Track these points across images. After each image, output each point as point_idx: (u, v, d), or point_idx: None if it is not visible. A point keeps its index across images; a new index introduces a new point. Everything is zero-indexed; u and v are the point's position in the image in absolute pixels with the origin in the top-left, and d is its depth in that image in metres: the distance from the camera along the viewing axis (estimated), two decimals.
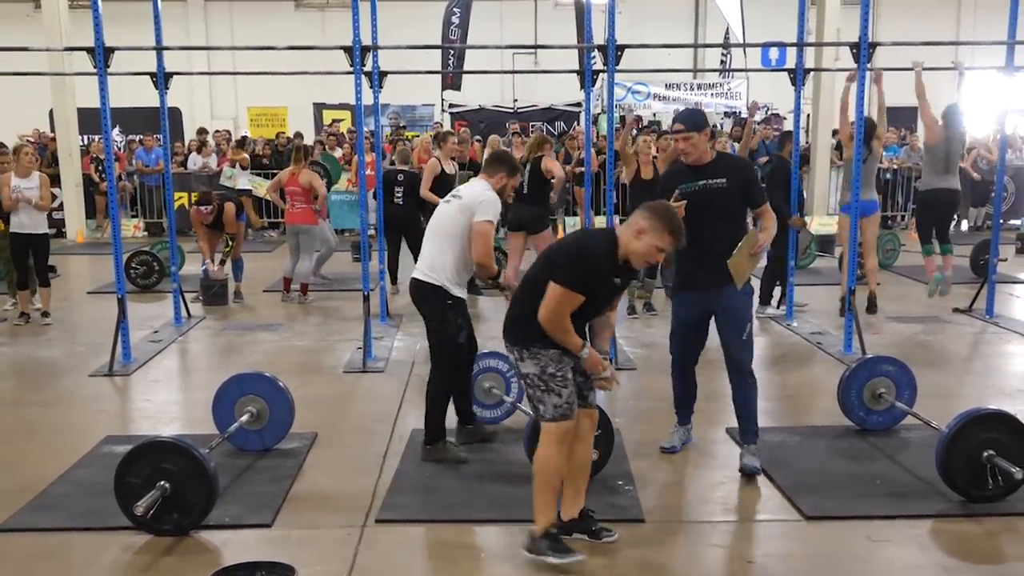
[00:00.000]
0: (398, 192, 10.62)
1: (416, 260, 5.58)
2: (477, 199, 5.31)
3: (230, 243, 10.62)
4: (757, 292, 9.37)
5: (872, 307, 9.25)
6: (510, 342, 4.23)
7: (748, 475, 5.22)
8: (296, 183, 10.38)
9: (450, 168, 10.54)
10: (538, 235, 9.37)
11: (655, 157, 9.43)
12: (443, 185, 9.64)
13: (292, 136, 18.47)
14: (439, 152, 10.61)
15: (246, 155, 16.24)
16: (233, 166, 15.77)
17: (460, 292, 5.39)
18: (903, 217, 17.21)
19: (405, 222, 10.47)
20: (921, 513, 4.75)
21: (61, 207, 16.57)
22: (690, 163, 5.23)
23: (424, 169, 10.48)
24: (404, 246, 10.67)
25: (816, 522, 4.66)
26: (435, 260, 5.34)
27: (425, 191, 10.11)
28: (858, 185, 7.90)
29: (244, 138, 18.55)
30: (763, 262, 8.73)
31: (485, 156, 9.27)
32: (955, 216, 9.79)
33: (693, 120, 5.23)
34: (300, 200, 10.39)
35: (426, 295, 5.39)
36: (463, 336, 5.43)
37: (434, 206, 6.46)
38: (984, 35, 17.67)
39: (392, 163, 12.31)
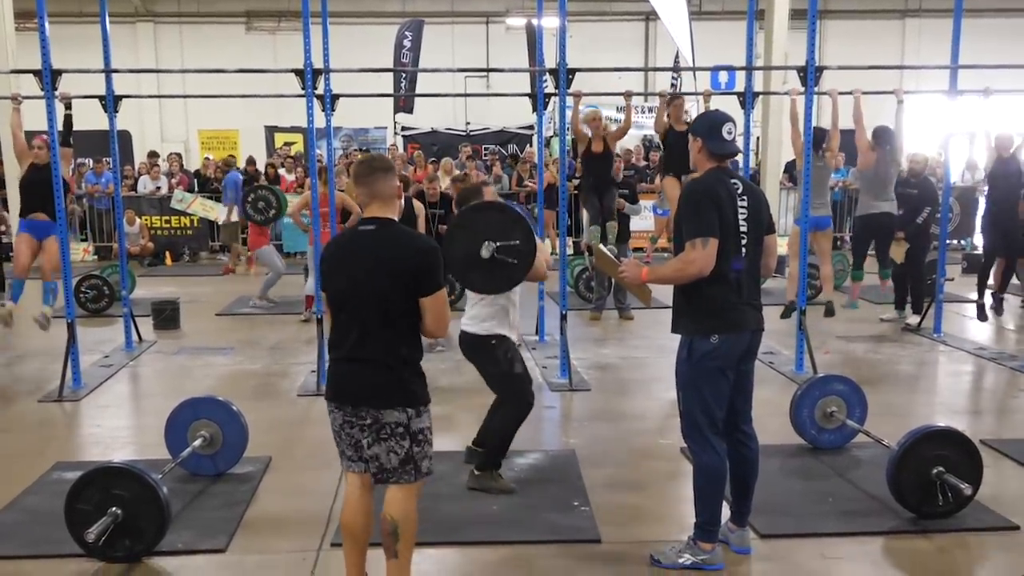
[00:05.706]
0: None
1: None
2: None
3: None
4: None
5: (830, 312, 9.29)
6: (407, 404, 3.78)
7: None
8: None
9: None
10: None
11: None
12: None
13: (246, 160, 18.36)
14: None
15: None
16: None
17: (503, 331, 5.32)
18: (851, 238, 17.45)
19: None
20: (873, 530, 4.81)
21: (8, 231, 16.32)
22: None
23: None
24: None
25: (770, 540, 4.70)
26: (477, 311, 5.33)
27: None
28: (808, 194, 8.02)
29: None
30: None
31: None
32: (891, 239, 9.86)
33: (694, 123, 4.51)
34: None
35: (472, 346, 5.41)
36: (520, 367, 5.35)
37: None
38: (928, 59, 18.02)
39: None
